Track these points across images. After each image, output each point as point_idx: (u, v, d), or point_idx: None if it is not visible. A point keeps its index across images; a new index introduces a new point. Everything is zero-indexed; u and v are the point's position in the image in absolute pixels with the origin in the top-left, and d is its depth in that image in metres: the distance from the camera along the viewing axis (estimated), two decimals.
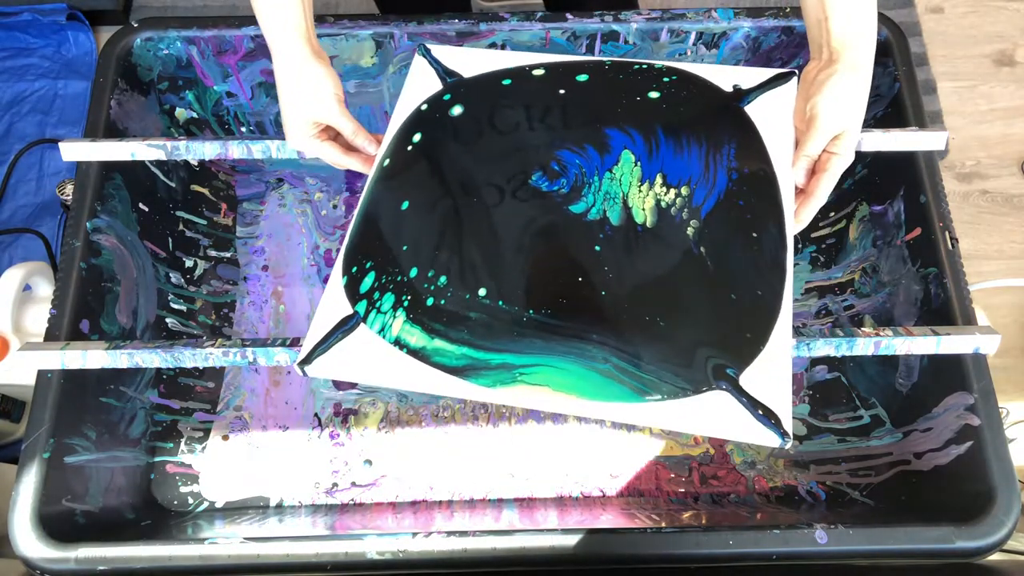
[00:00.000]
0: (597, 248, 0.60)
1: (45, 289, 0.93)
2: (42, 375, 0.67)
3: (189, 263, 0.90)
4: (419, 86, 0.72)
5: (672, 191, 0.62)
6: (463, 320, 0.57)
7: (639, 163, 0.64)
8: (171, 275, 0.87)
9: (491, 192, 0.64)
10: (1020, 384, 1.10)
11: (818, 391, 0.87)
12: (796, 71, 0.66)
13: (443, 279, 0.59)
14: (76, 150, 0.73)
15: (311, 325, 0.58)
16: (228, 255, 0.94)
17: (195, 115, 0.90)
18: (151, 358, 0.65)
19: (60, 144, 0.73)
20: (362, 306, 0.59)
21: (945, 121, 1.27)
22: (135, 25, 0.81)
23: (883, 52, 0.81)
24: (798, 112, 0.62)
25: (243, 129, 0.93)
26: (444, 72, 0.72)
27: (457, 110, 0.69)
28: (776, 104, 0.66)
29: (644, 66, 0.70)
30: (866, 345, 0.65)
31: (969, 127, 1.27)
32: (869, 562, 0.63)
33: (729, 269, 0.58)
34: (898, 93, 0.80)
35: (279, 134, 0.67)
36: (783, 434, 0.50)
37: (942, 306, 0.71)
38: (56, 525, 0.63)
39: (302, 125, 0.64)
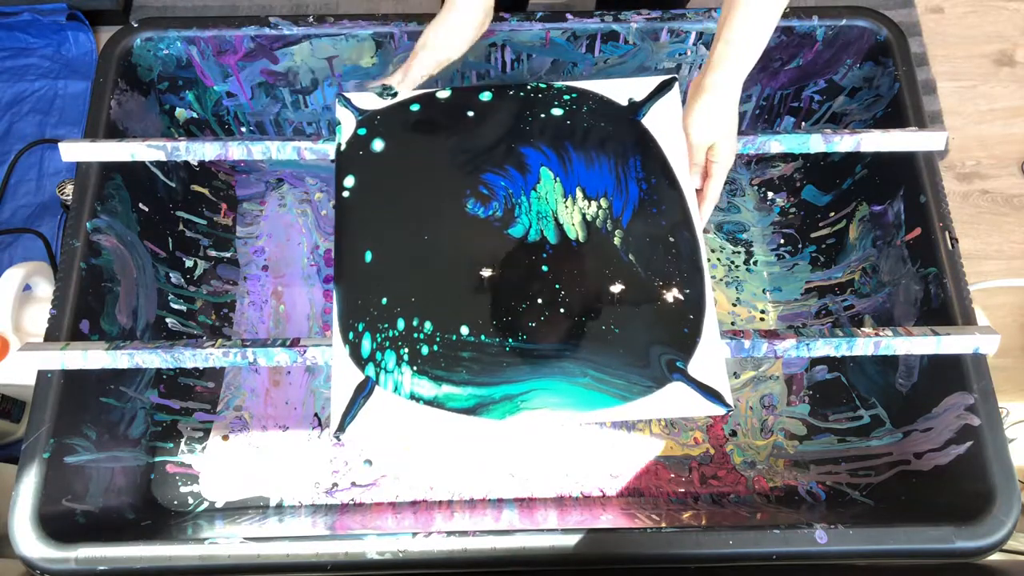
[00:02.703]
0: (545, 268, 0.65)
1: (45, 289, 0.92)
2: (42, 375, 0.67)
3: (189, 263, 0.90)
4: (347, 133, 0.72)
5: (593, 204, 0.67)
6: (458, 361, 0.62)
7: (558, 179, 0.69)
8: (171, 275, 0.87)
9: (436, 227, 0.67)
10: (1020, 384, 1.10)
11: (818, 391, 0.87)
12: (675, 76, 0.73)
13: (428, 325, 0.63)
14: (76, 150, 0.73)
15: (332, 396, 0.61)
16: (228, 255, 0.94)
17: (195, 115, 0.90)
18: (151, 358, 0.65)
19: (60, 144, 0.73)
20: (370, 369, 0.62)
21: (945, 121, 1.26)
22: (135, 25, 0.81)
23: (883, 52, 0.81)
24: (683, 128, 0.69)
25: (243, 129, 0.93)
26: (360, 115, 0.73)
27: (378, 145, 0.70)
28: (666, 113, 0.72)
29: (543, 85, 0.74)
30: (866, 345, 0.65)
31: (969, 127, 1.27)
32: (869, 562, 0.63)
33: (657, 273, 0.65)
34: (898, 93, 0.80)
35: (279, 134, 0.67)
36: (726, 405, 0.61)
37: (942, 306, 0.71)
38: (56, 525, 0.63)
39: (434, 66, 0.69)
